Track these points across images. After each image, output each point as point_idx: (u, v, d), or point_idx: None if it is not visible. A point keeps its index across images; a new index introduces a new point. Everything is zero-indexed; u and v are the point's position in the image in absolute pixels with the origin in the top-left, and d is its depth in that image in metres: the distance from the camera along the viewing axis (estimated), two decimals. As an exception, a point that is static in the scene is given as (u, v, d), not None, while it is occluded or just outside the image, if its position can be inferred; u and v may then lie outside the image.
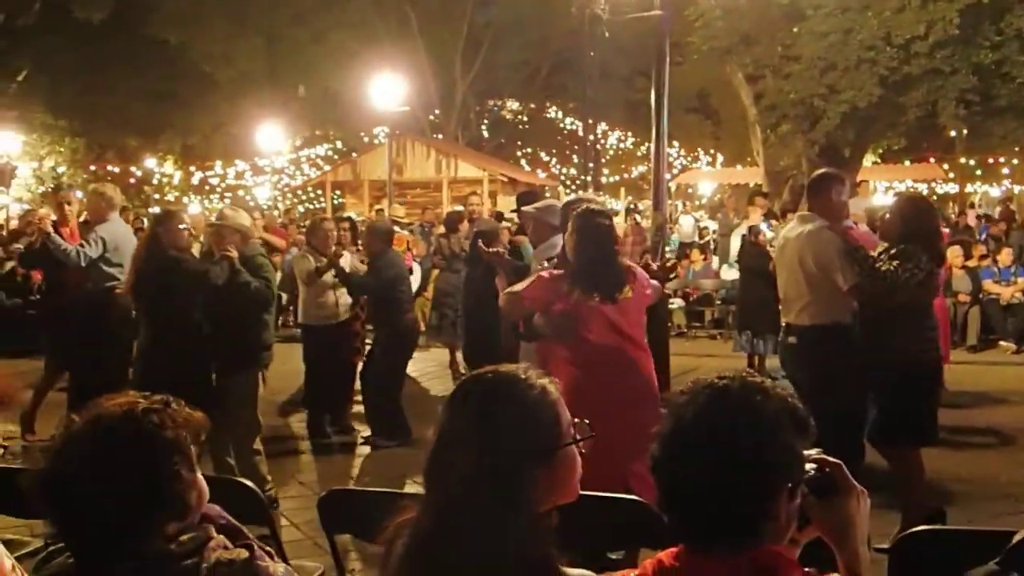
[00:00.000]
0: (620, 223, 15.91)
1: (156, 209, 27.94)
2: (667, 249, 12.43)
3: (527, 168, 33.06)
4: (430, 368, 11.13)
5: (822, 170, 5.91)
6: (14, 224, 18.15)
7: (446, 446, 1.97)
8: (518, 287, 4.86)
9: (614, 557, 3.58)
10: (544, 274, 4.83)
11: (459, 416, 1.98)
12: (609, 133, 34.37)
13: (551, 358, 4.63)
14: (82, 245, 7.32)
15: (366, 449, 7.67)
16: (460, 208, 11.42)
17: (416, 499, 2.00)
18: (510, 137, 35.54)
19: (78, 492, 1.87)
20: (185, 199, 32.19)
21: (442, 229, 11.69)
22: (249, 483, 3.29)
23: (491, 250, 6.10)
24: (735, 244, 12.00)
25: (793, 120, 17.16)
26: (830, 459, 1.85)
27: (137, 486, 1.86)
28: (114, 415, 1.92)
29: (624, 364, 4.67)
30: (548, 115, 35.35)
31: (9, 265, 13.72)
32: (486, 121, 34.66)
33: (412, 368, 11.29)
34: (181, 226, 6.11)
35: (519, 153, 35.06)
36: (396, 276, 7.81)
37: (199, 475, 1.99)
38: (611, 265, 4.75)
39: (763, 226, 10.23)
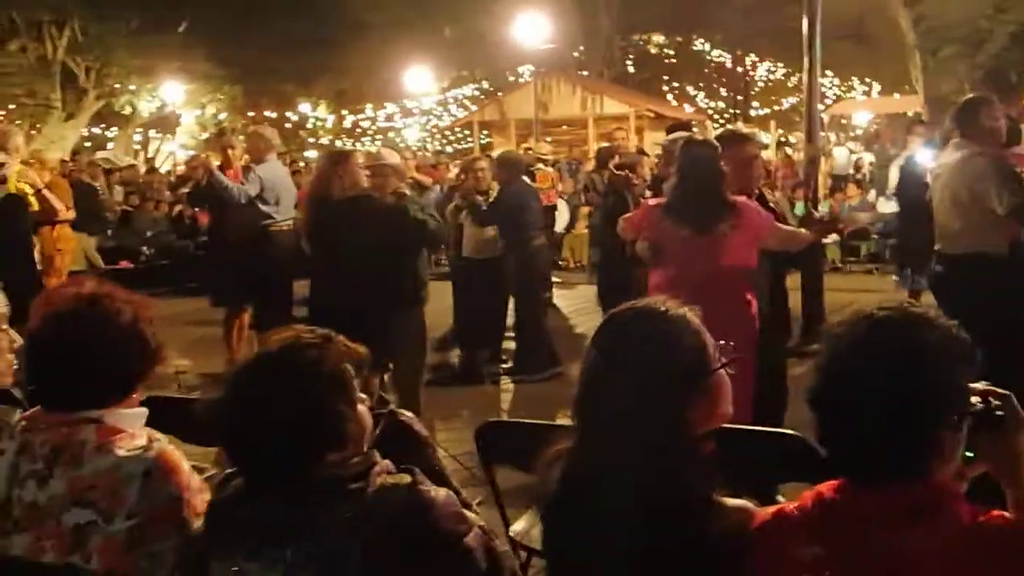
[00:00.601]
0: (770, 157, 15.55)
1: (312, 153, 28.80)
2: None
3: (674, 103, 32.46)
4: (581, 305, 11.19)
5: (969, 95, 5.70)
6: (181, 170, 19.05)
7: (596, 380, 2.01)
8: (630, 213, 4.92)
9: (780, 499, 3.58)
10: (649, 201, 4.85)
11: (607, 350, 2.02)
12: (758, 64, 33.41)
13: (648, 284, 4.62)
14: (242, 183, 7.65)
15: (519, 383, 7.82)
16: (611, 144, 11.35)
17: (570, 431, 2.06)
18: (656, 72, 34.88)
19: (243, 421, 1.99)
20: (338, 142, 32.98)
21: (592, 165, 11.66)
22: (408, 415, 3.39)
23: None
24: (893, 176, 11.55)
25: (956, 43, 16.28)
26: (998, 391, 1.80)
27: (297, 417, 1.95)
28: (277, 349, 2.02)
29: (711, 301, 4.53)
30: (695, 47, 34.53)
31: (178, 208, 14.44)
32: (631, 56, 34.13)
33: (564, 304, 11.45)
34: (358, 166, 6.10)
35: (665, 88, 34.41)
36: (520, 205, 7.85)
37: (361, 408, 2.07)
38: (705, 197, 4.58)
39: (923, 156, 9.82)
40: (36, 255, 8.23)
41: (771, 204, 5.16)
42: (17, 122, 24.51)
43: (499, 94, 28.22)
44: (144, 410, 2.31)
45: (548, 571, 2.21)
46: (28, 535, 2.15)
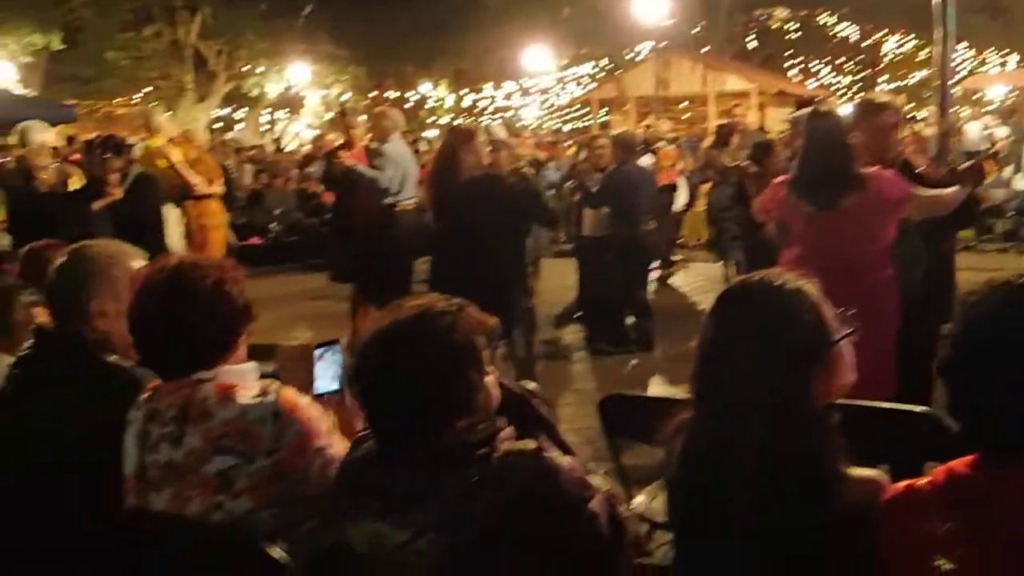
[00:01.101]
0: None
1: (431, 132, 29.13)
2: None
3: (797, 79, 31.69)
4: (699, 283, 11.11)
5: None
6: (307, 149, 19.52)
7: (713, 354, 2.02)
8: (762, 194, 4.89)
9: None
10: (778, 179, 4.77)
11: (724, 324, 2.03)
12: (887, 38, 32.32)
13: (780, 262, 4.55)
14: (373, 166, 7.84)
15: (639, 357, 7.84)
16: (731, 121, 11.20)
17: (691, 404, 2.07)
18: (779, 47, 34.10)
19: (375, 386, 2.06)
20: (457, 121, 33.28)
21: (709, 143, 11.54)
22: (533, 385, 3.45)
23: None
24: (1030, 151, 11.08)
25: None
26: None
27: (428, 384, 2.00)
28: (410, 316, 2.07)
29: (838, 277, 4.43)
30: (820, 22, 33.61)
31: (304, 187, 14.82)
32: (753, 32, 33.43)
33: (683, 282, 11.38)
34: (482, 144, 6.16)
35: (788, 64, 33.64)
36: (630, 187, 7.82)
37: (490, 378, 2.11)
38: (827, 171, 4.42)
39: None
40: (181, 229, 8.56)
41: (917, 172, 4.91)
42: (153, 104, 25.49)
43: (618, 72, 28.05)
44: (254, 364, 2.46)
45: (673, 544, 2.23)
46: (168, 491, 2.29)
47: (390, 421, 2.07)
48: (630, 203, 7.85)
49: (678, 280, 11.45)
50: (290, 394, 2.35)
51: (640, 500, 3.37)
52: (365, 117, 9.21)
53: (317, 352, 2.76)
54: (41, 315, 3.14)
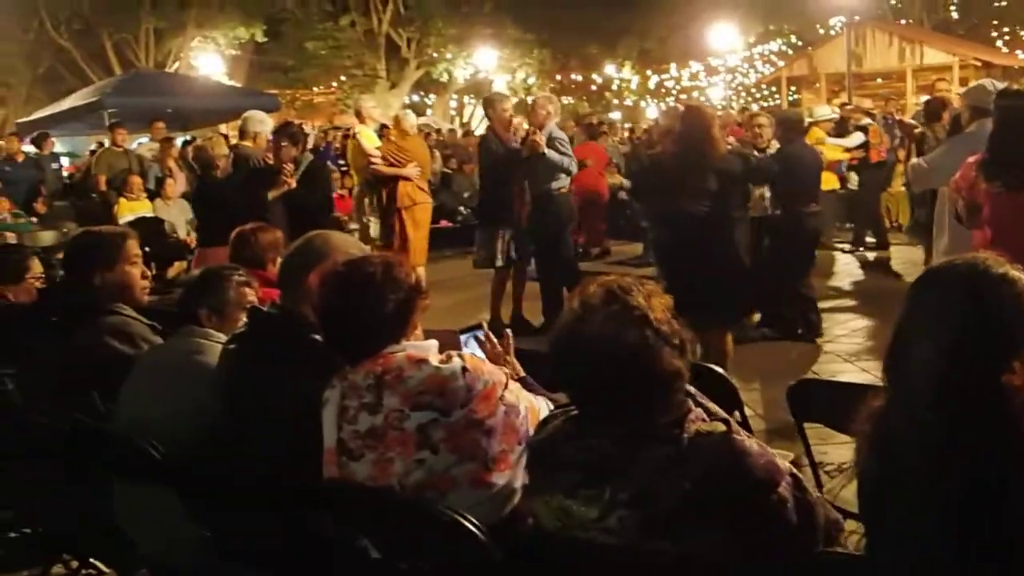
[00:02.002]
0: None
1: (616, 114, 29.09)
2: None
3: (1005, 50, 29.81)
4: (898, 267, 10.71)
5: None
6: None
7: (906, 339, 1.96)
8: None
9: None
10: (970, 159, 4.56)
11: (922, 308, 1.96)
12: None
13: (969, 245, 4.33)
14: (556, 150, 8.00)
15: (824, 342, 7.65)
16: (941, 95, 10.63)
17: (884, 391, 2.02)
18: (984, 16, 32.16)
19: (574, 362, 2.11)
20: (642, 103, 33.08)
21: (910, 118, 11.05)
22: (720, 370, 3.45)
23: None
24: None
25: None
26: None
27: (627, 361, 2.04)
28: (603, 297, 2.11)
29: None
30: (1030, -12, 31.50)
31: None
32: (955, 1, 31.66)
33: (880, 265, 11.00)
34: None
35: (995, 34, 31.68)
36: (799, 165, 7.56)
37: (673, 354, 2.09)
38: (1017, 151, 4.29)
39: None
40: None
41: None
42: (347, 91, 26.48)
43: (808, 48, 27.15)
44: (434, 342, 2.60)
45: (865, 534, 2.19)
46: (369, 456, 2.41)
47: (587, 397, 2.12)
48: (797, 184, 7.63)
49: (876, 262, 11.12)
50: (474, 358, 2.53)
51: (831, 488, 3.32)
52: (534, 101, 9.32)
53: (463, 337, 2.86)
54: (251, 295, 3.35)
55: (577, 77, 30.34)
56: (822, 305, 8.22)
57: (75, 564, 3.76)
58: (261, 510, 2.69)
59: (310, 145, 9.87)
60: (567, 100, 33.23)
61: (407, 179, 8.81)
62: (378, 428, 2.40)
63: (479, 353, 2.78)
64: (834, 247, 11.70)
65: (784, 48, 31.08)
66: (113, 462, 3.13)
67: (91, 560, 3.74)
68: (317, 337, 2.73)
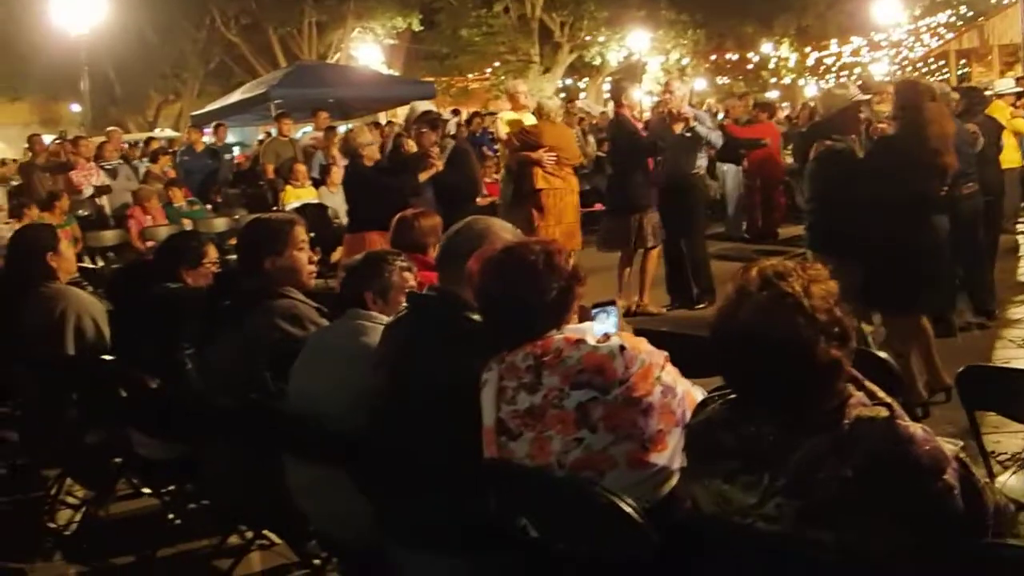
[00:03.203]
0: None
1: (773, 93, 28.39)
2: None
3: None
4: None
5: None
6: (647, 116, 19.72)
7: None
8: None
9: None
10: None
11: None
12: None
13: None
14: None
15: (998, 327, 7.31)
16: None
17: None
18: None
19: (739, 348, 2.09)
20: (800, 81, 32.18)
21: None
22: (884, 355, 3.35)
23: None
24: None
25: None
26: None
27: (793, 349, 2.00)
28: (749, 280, 2.08)
29: None
30: None
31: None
32: None
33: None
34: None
35: None
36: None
37: (830, 343, 2.04)
38: None
39: None
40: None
41: None
42: (501, 77, 26.73)
43: (980, 19, 25.84)
44: (590, 324, 2.64)
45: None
46: (528, 435, 2.45)
47: (753, 383, 2.11)
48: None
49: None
50: (630, 335, 2.54)
51: (1003, 479, 3.19)
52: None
53: (595, 311, 2.88)
54: (412, 279, 3.45)
55: (732, 56, 29.74)
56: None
57: (249, 535, 3.96)
58: (423, 488, 2.77)
59: (451, 131, 10.03)
60: (722, 80, 32.66)
61: (540, 164, 8.82)
62: (537, 407, 2.44)
63: (612, 329, 2.79)
64: (1016, 231, 11.09)
65: (953, 19, 29.69)
66: (285, 439, 3.29)
67: (264, 532, 3.95)
68: (475, 318, 2.79)
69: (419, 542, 2.78)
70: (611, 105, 27.31)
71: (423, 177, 7.83)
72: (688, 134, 7.95)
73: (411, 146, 8.24)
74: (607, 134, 8.91)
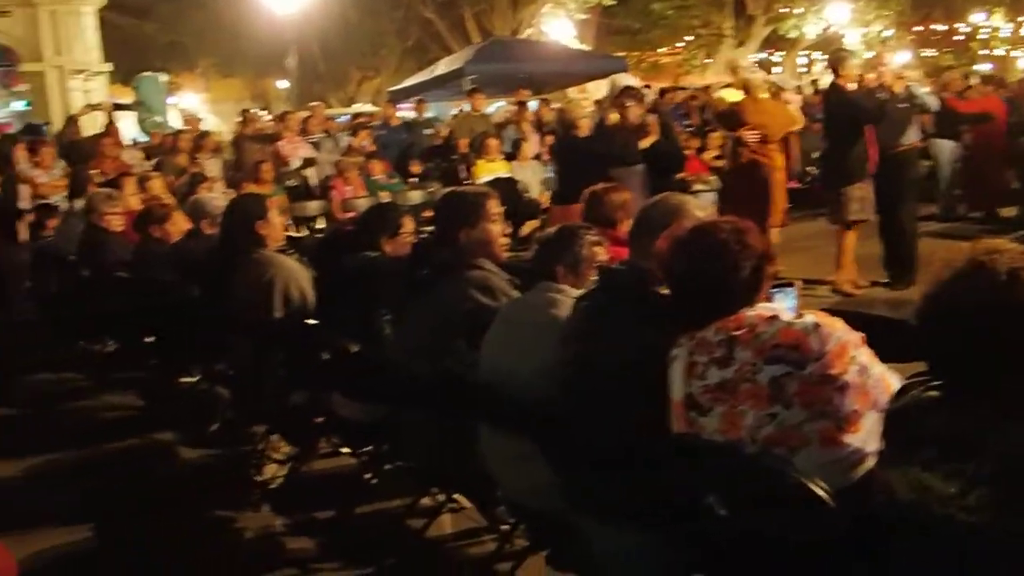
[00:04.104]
0: None
1: (984, 66, 26.78)
2: None
3: None
4: None
5: None
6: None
7: None
8: None
9: None
10: None
11: None
12: None
13: None
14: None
15: None
16: None
17: None
18: None
19: (931, 332, 2.04)
20: (1014, 52, 30.23)
21: None
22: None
23: None
24: None
25: None
26: None
27: (974, 331, 1.95)
28: (957, 261, 2.02)
29: None
30: None
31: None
32: None
33: None
34: None
35: None
36: None
37: None
38: None
39: None
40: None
41: None
42: (693, 51, 26.33)
43: None
44: (782, 303, 2.64)
45: None
46: (719, 409, 2.45)
47: (963, 368, 2.04)
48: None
49: None
50: (826, 315, 2.49)
51: None
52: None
53: (773, 292, 2.82)
54: (602, 253, 3.48)
55: (939, 27, 28.19)
56: None
57: (441, 497, 4.11)
58: (610, 461, 2.81)
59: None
60: (928, 52, 31.06)
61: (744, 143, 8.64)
62: (729, 381, 2.44)
63: (790, 309, 2.75)
64: None
65: None
66: (477, 407, 3.39)
67: (455, 495, 4.09)
68: (664, 293, 2.80)
69: (605, 514, 2.82)
70: (806, 80, 26.49)
71: (644, 144, 7.86)
72: (904, 104, 7.72)
73: (614, 118, 8.24)
74: (822, 105, 8.66)
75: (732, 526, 2.47)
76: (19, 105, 28.50)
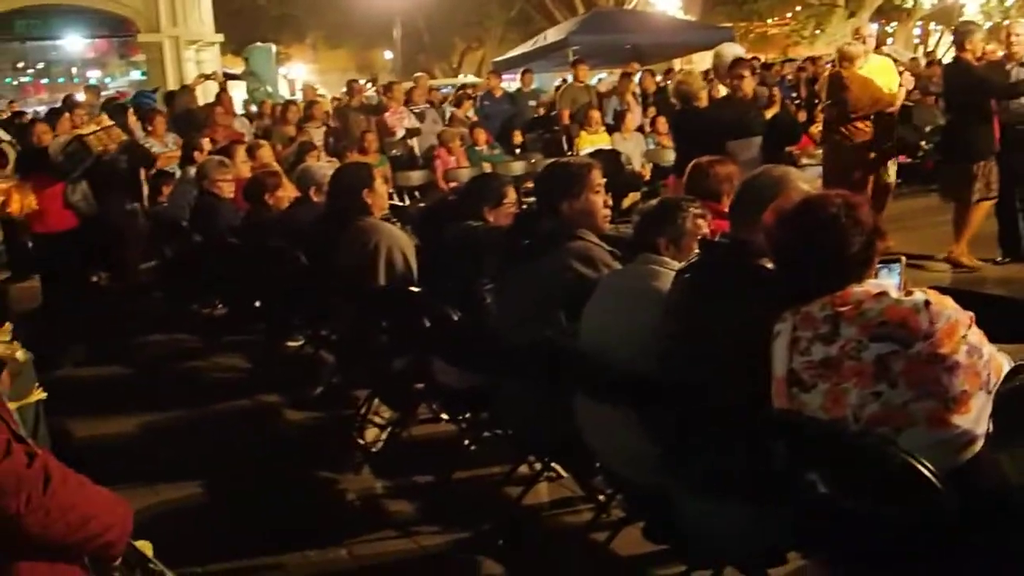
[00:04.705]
0: None
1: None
2: None
3: None
4: None
5: None
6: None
7: None
8: None
9: None
10: None
11: None
12: None
13: None
14: None
15: None
16: None
17: None
18: None
19: None
20: None
21: None
22: None
23: None
24: None
25: None
26: None
27: None
28: None
29: None
30: None
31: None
32: None
33: None
34: None
35: None
36: None
37: None
38: None
39: None
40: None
41: None
42: (803, 21, 25.70)
43: None
44: (892, 280, 2.58)
45: None
46: (822, 386, 2.42)
47: None
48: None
49: None
50: (936, 293, 2.43)
51: None
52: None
53: (878, 267, 2.76)
54: (705, 226, 3.44)
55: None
56: None
57: (538, 466, 4.15)
58: (710, 434, 2.80)
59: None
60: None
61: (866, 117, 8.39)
62: (833, 358, 2.40)
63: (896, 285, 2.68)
64: None
65: None
66: (576, 377, 3.40)
67: (552, 464, 4.12)
68: (767, 267, 2.76)
69: (703, 487, 2.81)
70: (921, 51, 25.66)
71: (770, 113, 7.75)
72: None
73: (719, 91, 8.13)
74: (943, 80, 8.39)
75: (834, 505, 2.45)
76: (136, 75, 29.36)
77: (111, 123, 7.23)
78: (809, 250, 2.52)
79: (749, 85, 7.84)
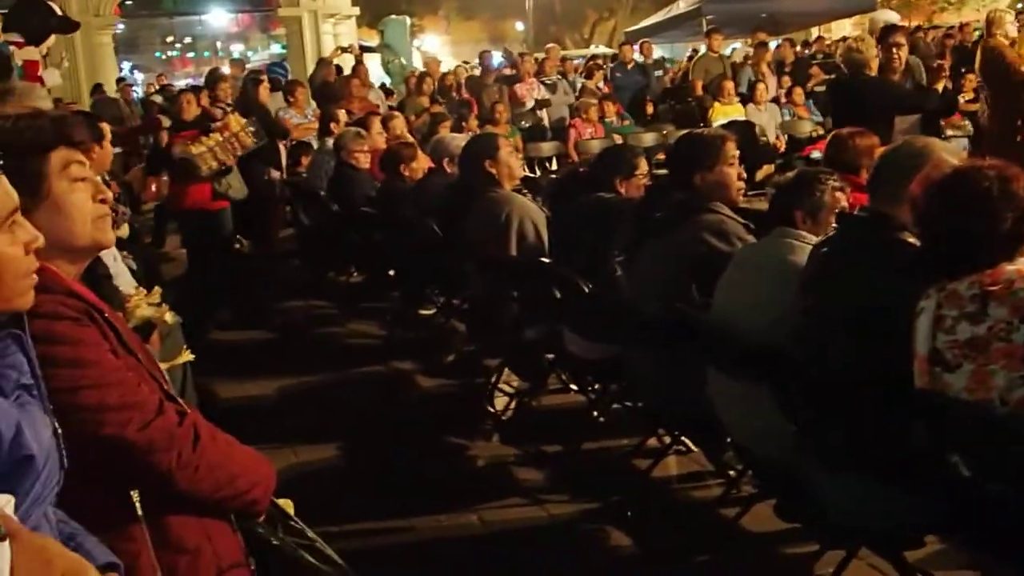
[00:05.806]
0: None
1: None
2: None
3: None
4: None
5: None
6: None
7: None
8: None
9: None
10: None
11: None
12: None
13: None
14: None
15: None
16: None
17: None
18: None
19: None
20: None
21: None
22: None
23: None
24: None
25: None
26: None
27: None
28: None
29: None
30: None
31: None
32: None
33: None
34: None
35: None
36: None
37: None
38: None
39: None
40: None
41: None
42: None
43: None
44: None
45: None
46: (967, 367, 2.33)
47: None
48: None
49: None
50: None
51: None
52: None
53: None
54: (843, 199, 3.35)
55: None
56: None
57: (668, 439, 4.14)
58: (847, 411, 2.74)
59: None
60: None
61: None
62: (980, 339, 2.32)
63: None
64: None
65: None
66: (708, 351, 3.37)
67: (682, 438, 4.10)
68: (909, 241, 2.68)
69: (839, 465, 2.76)
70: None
71: (939, 87, 7.47)
72: None
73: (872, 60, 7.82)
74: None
75: (978, 488, 2.37)
76: (276, 48, 30.13)
77: (239, 127, 7.34)
78: (958, 224, 2.43)
79: (905, 54, 7.51)
